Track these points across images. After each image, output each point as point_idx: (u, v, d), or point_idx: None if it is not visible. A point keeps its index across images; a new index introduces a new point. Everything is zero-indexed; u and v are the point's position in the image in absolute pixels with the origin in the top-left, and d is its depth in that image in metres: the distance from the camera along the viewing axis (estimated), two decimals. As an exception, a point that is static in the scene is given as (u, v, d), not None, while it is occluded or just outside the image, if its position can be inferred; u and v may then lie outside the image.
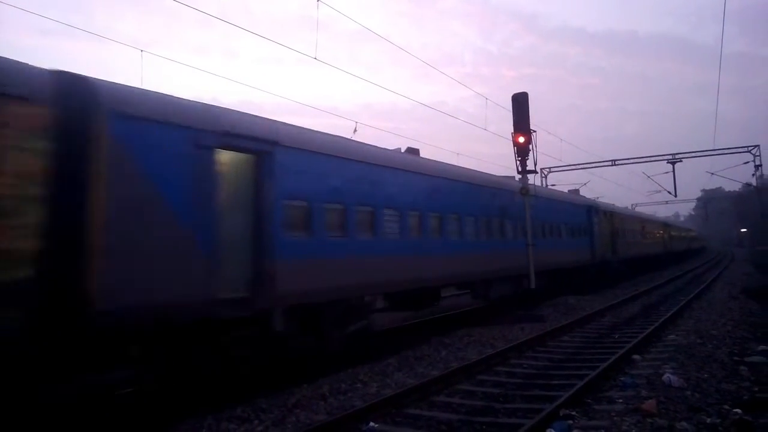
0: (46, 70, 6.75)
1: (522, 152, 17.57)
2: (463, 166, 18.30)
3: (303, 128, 10.79)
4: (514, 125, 17.46)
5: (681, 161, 37.09)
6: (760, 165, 37.30)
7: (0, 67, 6.23)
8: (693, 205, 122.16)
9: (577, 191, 33.09)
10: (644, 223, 42.20)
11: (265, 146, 8.98)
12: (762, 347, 11.11)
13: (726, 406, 7.26)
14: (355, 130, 15.19)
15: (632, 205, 61.63)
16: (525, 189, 17.70)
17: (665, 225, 54.44)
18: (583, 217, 25.94)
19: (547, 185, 36.94)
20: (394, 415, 7.55)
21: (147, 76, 12.19)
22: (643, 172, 41.13)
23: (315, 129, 11.17)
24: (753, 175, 38.49)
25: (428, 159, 15.37)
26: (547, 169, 40.32)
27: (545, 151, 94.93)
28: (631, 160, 39.63)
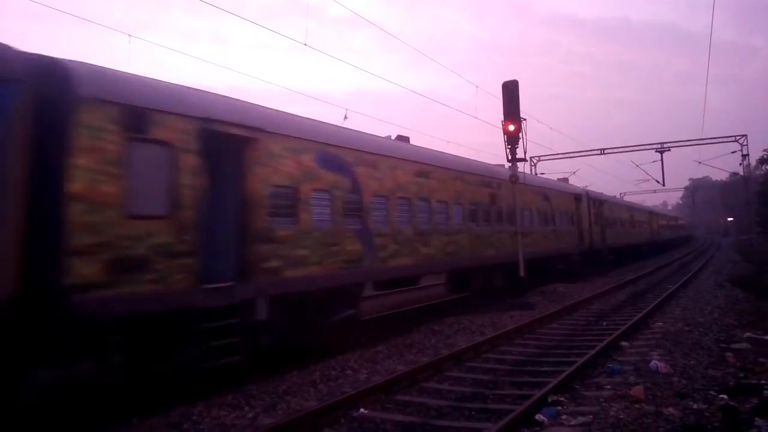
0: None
1: (512, 140, 17.58)
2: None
3: None
4: (504, 113, 17.46)
5: (669, 150, 37.45)
6: (748, 154, 37.85)
7: None
8: (681, 193, 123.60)
9: (566, 180, 32.98)
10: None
11: None
12: (747, 334, 11.24)
13: (712, 392, 7.36)
14: (345, 117, 15.10)
15: (621, 194, 61.53)
16: None
17: (542, 193, 22.43)
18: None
19: (536, 174, 36.96)
20: (384, 401, 7.58)
21: (135, 61, 12.04)
22: (632, 161, 41.37)
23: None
24: (740, 164, 39.06)
25: None
26: (537, 158, 40.47)
27: (535, 139, 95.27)
28: (620, 149, 39.88)
